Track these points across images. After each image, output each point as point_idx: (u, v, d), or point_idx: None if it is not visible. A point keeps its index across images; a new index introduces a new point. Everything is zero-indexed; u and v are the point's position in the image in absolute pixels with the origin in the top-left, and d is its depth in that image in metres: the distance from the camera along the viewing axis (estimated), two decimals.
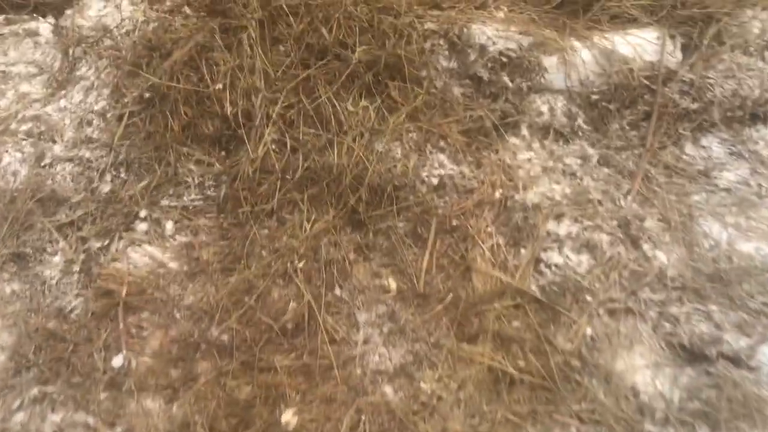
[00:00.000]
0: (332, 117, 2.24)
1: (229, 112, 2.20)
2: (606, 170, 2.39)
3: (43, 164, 2.38)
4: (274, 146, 2.21)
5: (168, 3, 2.64)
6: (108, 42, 2.56)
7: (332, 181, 2.18)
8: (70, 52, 2.69)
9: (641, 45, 2.46)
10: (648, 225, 2.27)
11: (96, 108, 2.46)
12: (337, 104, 2.24)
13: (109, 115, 2.41)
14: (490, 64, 2.36)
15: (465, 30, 2.38)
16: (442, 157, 2.26)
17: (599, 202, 2.29)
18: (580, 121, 2.43)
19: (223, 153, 2.26)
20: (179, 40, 2.38)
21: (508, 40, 2.36)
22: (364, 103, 2.26)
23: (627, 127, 2.46)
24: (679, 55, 2.51)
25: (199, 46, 2.32)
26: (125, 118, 2.33)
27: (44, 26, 2.89)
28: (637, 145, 2.44)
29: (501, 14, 2.55)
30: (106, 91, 2.47)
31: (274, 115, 2.21)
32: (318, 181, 2.19)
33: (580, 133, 2.43)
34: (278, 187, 2.18)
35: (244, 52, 2.27)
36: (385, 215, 2.17)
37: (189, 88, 2.25)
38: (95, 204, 2.24)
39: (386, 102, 2.28)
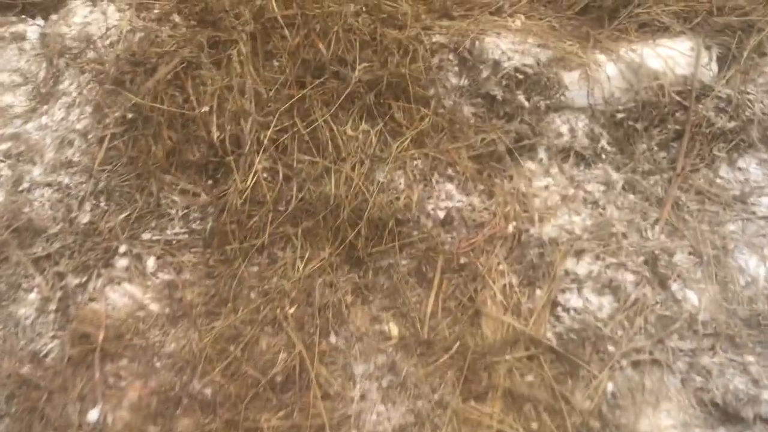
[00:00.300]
0: (329, 142, 2.03)
1: (215, 138, 2.00)
2: (632, 197, 2.17)
3: (20, 189, 2.21)
4: (265, 175, 2.01)
5: (156, 11, 2.45)
6: (91, 54, 2.37)
7: (329, 213, 1.99)
8: (54, 62, 2.51)
9: (673, 57, 2.23)
10: (677, 260, 2.06)
11: (78, 127, 2.28)
12: (334, 128, 2.04)
13: (90, 136, 2.22)
14: (504, 82, 2.14)
15: (477, 43, 2.16)
16: (449, 186, 2.06)
17: (624, 235, 2.07)
18: (603, 142, 2.21)
19: (210, 182, 2.08)
20: (165, 54, 2.18)
21: (524, 55, 2.14)
22: (364, 126, 2.05)
23: (655, 149, 2.23)
24: (714, 67, 2.26)
25: (186, 62, 2.12)
26: (106, 141, 2.15)
27: (32, 29, 2.71)
28: (667, 169, 2.21)
29: (518, 22, 2.32)
30: (88, 109, 2.29)
31: (265, 141, 2.01)
32: (313, 214, 2.00)
33: (604, 156, 2.20)
34: (270, 220, 1.99)
35: (233, 69, 2.07)
36: (387, 252, 1.98)
37: (173, 110, 2.06)
38: (73, 236, 2.07)
39: (389, 125, 2.07)
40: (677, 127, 2.23)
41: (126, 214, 2.05)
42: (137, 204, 2.05)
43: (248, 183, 1.98)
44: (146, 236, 2.04)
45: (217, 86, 2.05)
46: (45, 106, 2.42)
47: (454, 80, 2.17)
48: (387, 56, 2.07)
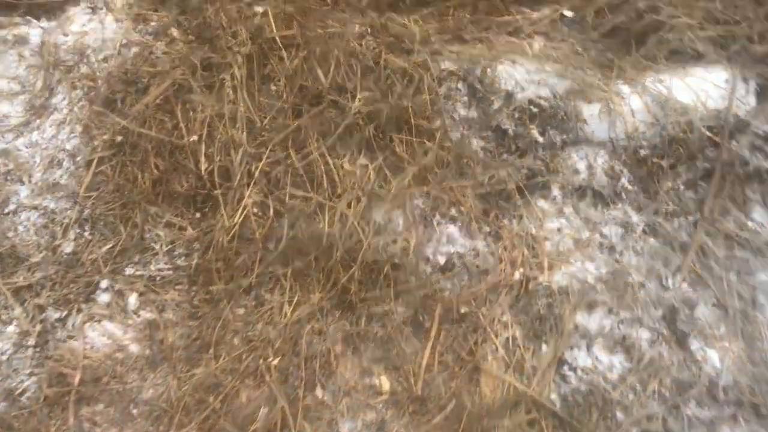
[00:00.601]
0: (325, 177, 1.90)
1: (203, 170, 1.88)
2: (652, 241, 2.00)
3: (6, 211, 2.11)
4: (255, 210, 1.88)
5: (153, 23, 2.32)
6: (84, 68, 2.26)
7: (321, 254, 1.85)
8: (49, 73, 2.41)
9: (705, 90, 2.04)
10: (699, 313, 1.90)
11: (67, 147, 2.17)
12: (331, 162, 1.90)
13: (78, 158, 2.12)
14: (517, 115, 1.98)
15: (489, 71, 1.99)
16: (452, 229, 1.91)
17: (641, 285, 1.91)
18: (624, 180, 2.04)
19: (197, 215, 1.95)
20: (157, 74, 2.06)
21: (540, 86, 1.97)
22: (362, 160, 1.91)
23: (681, 188, 2.05)
24: (752, 101, 2.08)
25: (177, 84, 1.99)
26: (93, 165, 2.04)
27: (35, 32, 2.60)
28: (693, 211, 2.04)
29: (536, 45, 2.15)
30: (78, 128, 2.18)
31: (256, 174, 1.89)
32: (305, 254, 1.87)
33: (624, 196, 2.03)
34: (258, 258, 1.86)
35: (225, 95, 1.94)
36: (381, 298, 1.84)
37: (161, 137, 1.94)
38: (56, 267, 1.97)
39: (389, 159, 1.93)
40: (707, 165, 2.05)
41: (109, 246, 1.95)
42: (121, 236, 1.94)
43: (236, 219, 1.86)
44: (129, 271, 1.93)
45: (207, 113, 1.92)
46: (38, 121, 2.32)
47: (462, 111, 2.00)
48: (390, 86, 1.92)
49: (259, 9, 2.15)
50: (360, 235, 1.83)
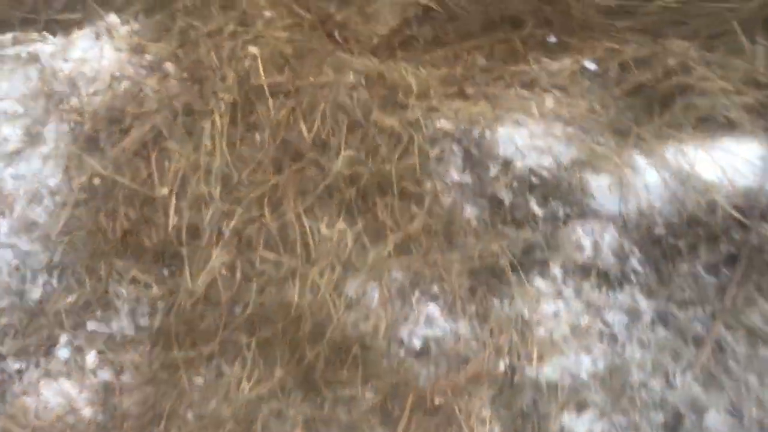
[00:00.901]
0: (299, 240, 1.76)
1: (170, 226, 1.76)
2: (661, 332, 1.79)
3: None
4: (224, 271, 1.76)
5: (149, 56, 2.22)
6: (74, 101, 2.18)
7: (289, 324, 1.72)
8: (47, 99, 2.34)
9: (734, 164, 1.81)
10: (710, 422, 1.69)
11: (50, 183, 2.09)
12: (307, 224, 1.76)
13: (57, 197, 2.04)
14: (515, 184, 1.79)
15: (488, 133, 1.81)
16: (432, 308, 1.74)
17: (642, 385, 1.71)
18: (634, 261, 1.83)
19: (165, 271, 1.84)
20: (141, 115, 1.96)
21: (543, 154, 1.78)
22: (341, 225, 1.76)
23: (700, 274, 1.83)
24: None
25: (156, 130, 1.89)
26: (69, 208, 1.96)
27: (46, 50, 2.55)
28: (712, 300, 1.81)
29: (550, 101, 1.96)
30: (62, 164, 2.10)
31: (227, 233, 1.76)
32: (271, 323, 1.73)
33: (633, 279, 1.82)
34: (223, 324, 1.74)
35: (203, 146, 1.82)
36: (349, 381, 1.69)
37: (134, 186, 1.83)
38: (20, 314, 1.89)
39: (371, 225, 1.77)
40: (731, 249, 1.82)
41: (73, 298, 1.85)
42: (85, 289, 1.84)
43: (201, 280, 1.73)
44: (91, 326, 1.83)
45: (181, 164, 1.80)
46: (28, 150, 2.26)
47: (455, 175, 1.83)
48: (376, 147, 1.76)
49: (254, 50, 2.02)
50: (330, 308, 1.69)
